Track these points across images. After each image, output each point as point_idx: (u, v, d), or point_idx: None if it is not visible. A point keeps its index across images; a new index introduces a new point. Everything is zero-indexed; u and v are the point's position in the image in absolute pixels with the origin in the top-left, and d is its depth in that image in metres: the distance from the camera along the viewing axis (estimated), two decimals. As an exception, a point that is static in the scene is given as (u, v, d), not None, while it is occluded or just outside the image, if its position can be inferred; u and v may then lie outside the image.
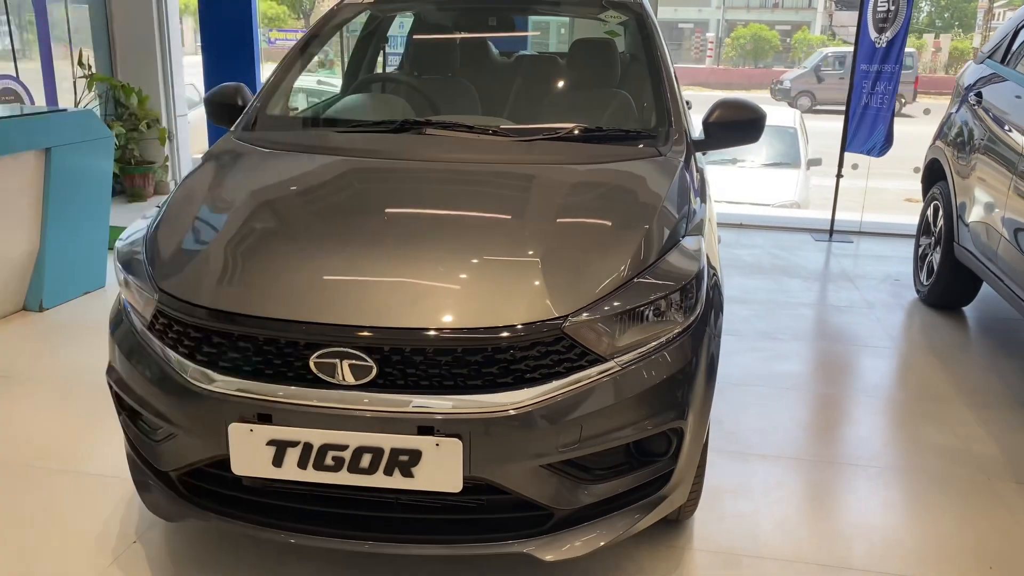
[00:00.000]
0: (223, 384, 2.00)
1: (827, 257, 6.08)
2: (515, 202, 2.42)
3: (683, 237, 2.34)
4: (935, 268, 4.83)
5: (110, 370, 2.32)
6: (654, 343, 2.10)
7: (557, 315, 1.96)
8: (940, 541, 2.66)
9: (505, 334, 1.93)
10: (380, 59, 4.32)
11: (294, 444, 1.96)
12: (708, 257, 2.42)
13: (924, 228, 5.15)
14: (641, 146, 2.73)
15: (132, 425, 2.30)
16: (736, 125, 2.90)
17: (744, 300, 4.99)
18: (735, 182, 10.92)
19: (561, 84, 3.39)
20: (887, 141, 5.94)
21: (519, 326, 1.94)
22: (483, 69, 3.58)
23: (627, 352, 2.05)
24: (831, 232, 6.64)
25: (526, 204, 2.39)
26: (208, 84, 7.42)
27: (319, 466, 1.96)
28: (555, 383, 1.96)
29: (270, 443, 1.97)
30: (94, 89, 7.10)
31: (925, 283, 5.01)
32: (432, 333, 1.92)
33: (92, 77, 7.05)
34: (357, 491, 2.04)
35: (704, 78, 33.46)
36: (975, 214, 4.25)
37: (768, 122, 10.80)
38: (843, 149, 6.47)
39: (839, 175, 6.60)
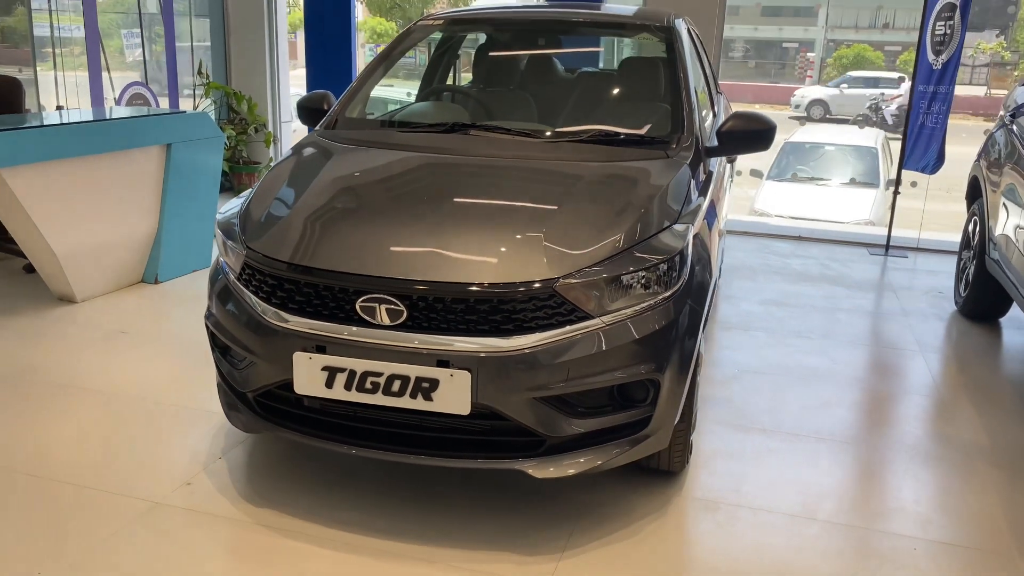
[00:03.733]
0: (290, 321, 2.57)
1: (878, 270, 6.30)
2: (533, 190, 2.92)
3: (676, 222, 2.78)
4: (970, 280, 5.06)
5: (208, 314, 2.93)
6: (638, 306, 2.55)
7: (550, 276, 2.45)
8: (902, 501, 3.00)
9: (507, 289, 2.43)
10: (452, 71, 4.88)
11: (342, 370, 2.50)
12: (703, 241, 2.87)
13: (965, 242, 5.37)
14: (652, 149, 3.18)
15: (223, 359, 2.90)
16: (746, 135, 3.30)
17: (784, 303, 5.31)
18: (811, 199, 11.09)
19: (593, 96, 3.87)
20: (939, 159, 6.15)
21: (519, 283, 2.43)
22: (532, 81, 4.10)
23: (613, 312, 2.51)
24: (887, 247, 6.84)
25: (542, 192, 2.89)
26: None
27: (360, 388, 2.50)
28: (547, 332, 2.45)
29: (324, 368, 2.51)
30: (210, 95, 7.95)
31: (962, 294, 5.22)
32: (449, 286, 2.43)
33: (208, 84, 7.91)
34: (389, 413, 2.56)
35: (803, 98, 32.94)
36: (999, 227, 4.49)
37: (849, 142, 11.11)
38: (900, 167, 6.69)
39: (896, 191, 6.81)
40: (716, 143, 3.35)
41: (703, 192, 3.10)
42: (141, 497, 2.86)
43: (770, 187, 11.72)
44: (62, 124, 4.62)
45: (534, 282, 2.44)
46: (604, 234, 2.62)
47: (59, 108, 6.73)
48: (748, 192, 12.14)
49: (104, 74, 7.04)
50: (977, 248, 4.96)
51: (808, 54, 41.05)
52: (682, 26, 3.93)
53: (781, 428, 3.54)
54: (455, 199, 2.87)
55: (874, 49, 39.33)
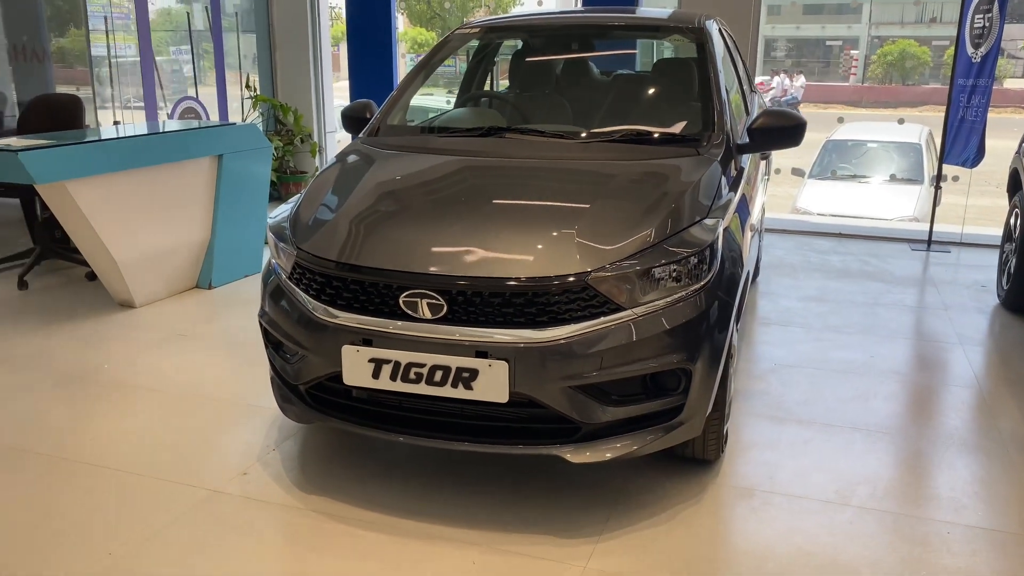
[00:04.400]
0: (339, 317, 2.72)
1: (919, 265, 6.27)
2: (566, 189, 3.04)
3: (707, 217, 2.87)
4: (1012, 272, 5.03)
5: (262, 312, 3.09)
6: (669, 298, 2.65)
7: (582, 270, 2.56)
8: (937, 488, 3.04)
9: (542, 283, 2.54)
10: (490, 78, 5.02)
11: (388, 362, 2.64)
12: (734, 235, 2.95)
13: (1007, 235, 5.34)
14: (683, 147, 3.28)
15: (276, 354, 3.06)
16: (776, 131, 3.38)
17: (822, 299, 5.34)
18: (854, 197, 11.01)
19: (627, 97, 3.97)
20: (979, 153, 6.11)
21: (553, 277, 2.55)
22: (567, 84, 4.22)
23: (645, 304, 2.62)
24: (929, 242, 6.80)
25: (575, 190, 3.01)
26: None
27: (405, 379, 2.64)
28: (580, 324, 2.56)
29: (371, 360, 2.66)
30: (258, 108, 8.21)
31: (1005, 287, 5.20)
32: (487, 281, 2.56)
33: (256, 97, 8.17)
34: (432, 402, 2.70)
35: (847, 96, 32.62)
36: (1039, 218, 4.48)
37: (893, 138, 10.98)
38: (941, 161, 6.66)
39: (937, 187, 6.78)
40: (747, 140, 3.43)
41: (734, 188, 3.18)
42: (201, 486, 3.04)
43: (813, 185, 11.65)
44: (120, 138, 4.86)
45: (568, 276, 2.55)
46: (635, 229, 2.72)
47: (116, 123, 7.03)
48: (790, 191, 12.09)
49: (157, 90, 7.33)
50: (1018, 240, 4.94)
51: (852, 52, 40.48)
52: (713, 27, 4.02)
53: (817, 419, 3.60)
54: (491, 200, 3.00)
55: (920, 44, 38.61)
